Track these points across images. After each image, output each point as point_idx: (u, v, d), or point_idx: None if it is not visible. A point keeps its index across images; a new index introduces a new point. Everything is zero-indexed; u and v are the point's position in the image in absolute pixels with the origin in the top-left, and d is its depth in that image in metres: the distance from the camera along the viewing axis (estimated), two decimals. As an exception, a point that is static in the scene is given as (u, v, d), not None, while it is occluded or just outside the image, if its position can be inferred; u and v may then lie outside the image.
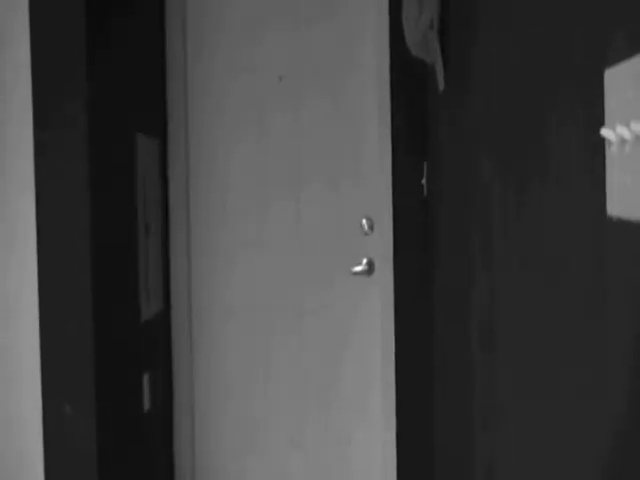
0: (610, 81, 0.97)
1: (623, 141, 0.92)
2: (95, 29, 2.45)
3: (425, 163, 3.37)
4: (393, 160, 3.39)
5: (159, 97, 3.34)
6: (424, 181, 3.38)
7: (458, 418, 2.57)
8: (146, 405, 2.97)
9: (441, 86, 2.80)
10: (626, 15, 0.94)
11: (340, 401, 3.48)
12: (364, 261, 3.44)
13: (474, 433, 2.23)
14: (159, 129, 3.32)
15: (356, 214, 3.44)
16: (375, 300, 3.44)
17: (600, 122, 1.02)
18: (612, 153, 0.96)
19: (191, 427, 3.47)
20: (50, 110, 2.37)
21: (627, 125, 0.91)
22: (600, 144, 1.02)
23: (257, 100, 3.46)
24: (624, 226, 0.92)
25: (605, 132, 0.95)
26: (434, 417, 3.23)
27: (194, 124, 3.45)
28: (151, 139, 3.14)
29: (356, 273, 3.43)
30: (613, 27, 0.99)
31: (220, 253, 3.47)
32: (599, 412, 1.05)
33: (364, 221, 3.43)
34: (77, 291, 2.39)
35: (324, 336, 3.47)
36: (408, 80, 3.38)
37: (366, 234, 3.44)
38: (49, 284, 2.40)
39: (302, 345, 3.48)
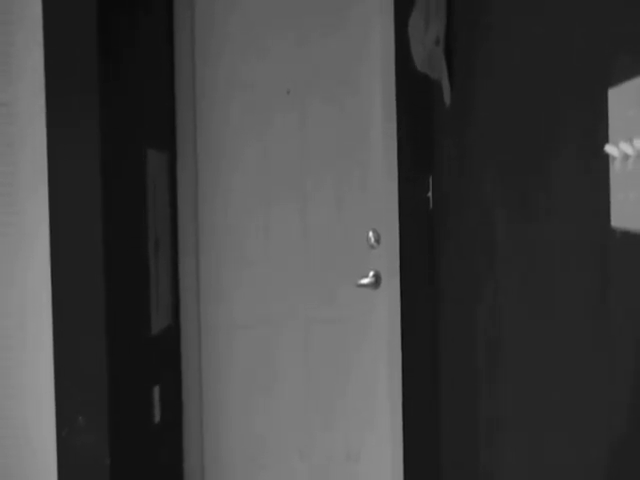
0: (614, 100, 1.01)
1: (626, 157, 0.96)
2: (107, 47, 2.50)
3: (431, 177, 3.40)
4: (399, 173, 3.43)
5: (168, 112, 3.38)
6: (430, 194, 3.42)
7: (464, 433, 2.59)
8: (156, 417, 3.00)
9: (447, 101, 2.85)
10: (629, 37, 0.98)
11: (348, 414, 3.51)
12: (371, 274, 3.48)
13: (479, 448, 2.26)
14: (168, 143, 3.36)
15: (363, 227, 3.48)
16: (382, 313, 3.47)
17: (604, 139, 1.05)
18: (616, 169, 0.99)
19: (200, 439, 3.50)
20: (63, 127, 2.41)
21: (630, 142, 0.94)
22: (604, 160, 1.05)
23: (264, 114, 3.50)
24: (628, 238, 0.96)
25: (609, 148, 0.99)
26: (441, 431, 3.25)
27: (202, 139, 3.49)
28: (161, 154, 3.18)
29: (362, 286, 3.46)
30: (617, 48, 1.03)
31: (228, 267, 3.51)
32: (602, 427, 1.07)
33: (370, 234, 3.46)
34: (90, 305, 2.43)
35: (331, 349, 3.50)
36: (414, 95, 3.42)
37: (372, 247, 3.47)
38: (62, 299, 2.44)
39: (309, 358, 3.51)
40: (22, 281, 2.46)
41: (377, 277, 3.48)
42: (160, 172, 3.17)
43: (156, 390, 3.00)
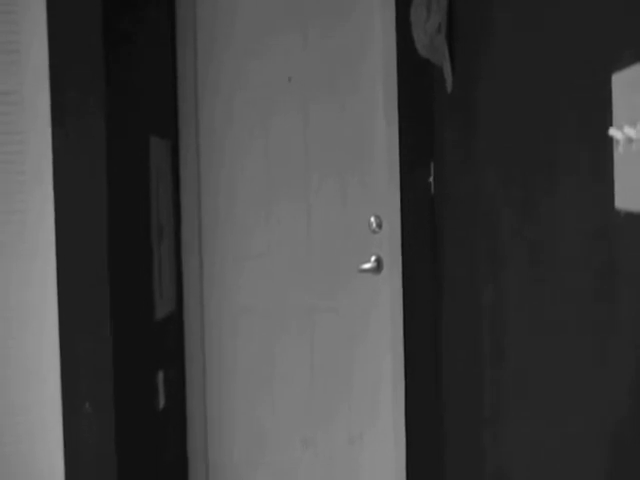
0: (617, 85, 1.03)
1: (630, 141, 0.97)
2: (111, 35, 2.51)
3: (432, 162, 3.42)
4: (400, 159, 3.44)
5: (170, 98, 3.39)
6: (431, 180, 3.44)
7: (467, 418, 2.61)
8: (161, 402, 3.03)
9: (449, 88, 2.86)
10: (633, 23, 0.99)
11: (351, 401, 3.53)
12: (372, 259, 3.50)
13: (482, 433, 2.28)
14: (171, 131, 3.38)
15: (365, 214, 3.50)
16: (384, 298, 3.49)
17: (608, 123, 1.07)
18: (619, 152, 1.01)
19: (203, 425, 3.52)
20: (68, 115, 2.43)
21: (634, 126, 0.96)
22: (608, 144, 1.07)
23: (266, 101, 3.51)
24: (632, 219, 0.98)
25: (613, 132, 1.01)
26: (444, 416, 3.28)
27: (205, 125, 3.50)
28: (164, 141, 3.20)
29: (364, 270, 3.48)
30: (621, 33, 1.04)
31: (230, 254, 3.52)
32: (605, 426, 1.09)
33: (372, 219, 3.48)
34: (95, 290, 2.45)
35: (334, 334, 3.53)
36: (415, 80, 3.43)
37: (374, 232, 3.49)
38: (68, 285, 2.46)
39: (312, 343, 3.53)
40: (27, 267, 2.47)
41: (379, 262, 3.50)
42: (163, 159, 3.18)
43: (160, 376, 3.03)
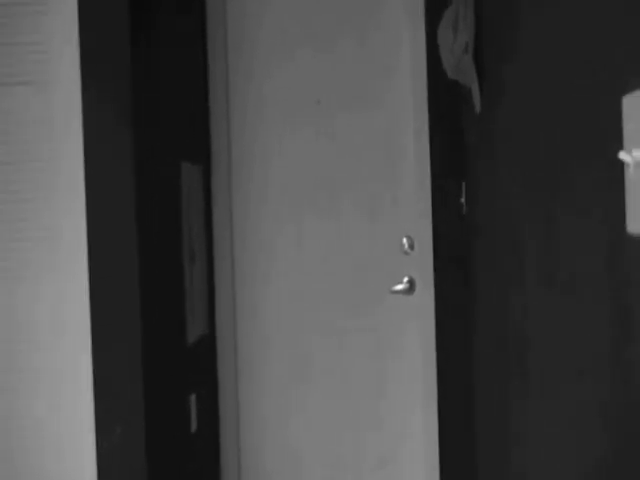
0: (628, 108, 1.02)
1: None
2: (141, 59, 2.55)
3: (464, 182, 3.41)
4: (432, 180, 3.44)
5: (203, 124, 3.43)
6: (463, 200, 3.43)
7: (498, 438, 2.59)
8: (193, 425, 3.04)
9: (478, 108, 2.85)
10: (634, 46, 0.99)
11: (382, 422, 3.52)
12: (405, 279, 3.49)
13: (511, 454, 2.26)
14: (203, 156, 3.41)
15: (397, 234, 3.49)
16: (416, 319, 3.47)
17: (620, 146, 1.06)
18: (630, 175, 1.00)
19: (236, 448, 3.53)
20: (99, 142, 2.46)
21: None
22: (620, 166, 1.06)
23: (296, 125, 3.53)
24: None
25: (623, 155, 1.00)
26: (476, 438, 3.24)
27: (236, 149, 3.53)
28: (195, 166, 3.23)
29: (397, 292, 3.47)
30: (631, 58, 1.04)
31: (263, 278, 3.54)
32: (624, 439, 1.08)
33: (404, 240, 3.48)
34: (127, 315, 2.48)
35: (366, 356, 3.52)
36: (445, 100, 3.43)
37: (406, 253, 3.48)
38: (100, 309, 2.49)
39: (343, 366, 3.52)
40: (60, 291, 2.51)
41: (411, 283, 3.49)
42: (194, 184, 3.22)
43: (192, 399, 3.04)
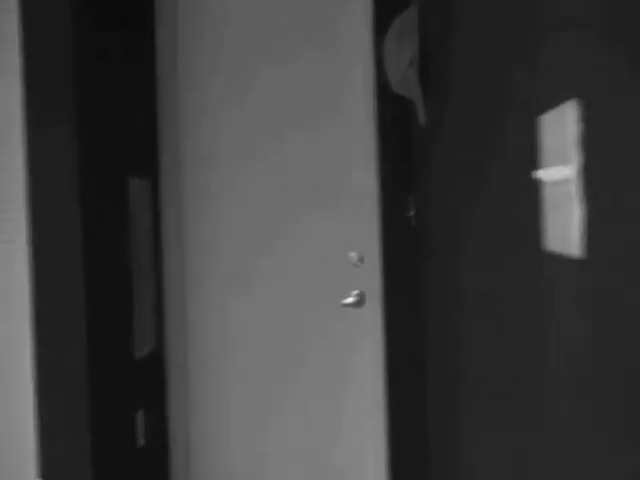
0: (545, 127, 1.05)
1: (555, 183, 0.99)
2: (86, 73, 2.54)
3: (412, 195, 3.44)
4: (379, 193, 3.46)
5: (151, 140, 3.42)
6: (412, 213, 3.45)
7: (453, 459, 2.61)
8: (141, 441, 3.02)
9: (422, 122, 2.89)
10: (555, 69, 1.01)
11: (339, 436, 3.52)
12: (354, 293, 3.50)
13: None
14: (150, 171, 3.40)
15: (348, 249, 3.51)
16: (366, 331, 3.49)
17: (539, 164, 1.09)
18: (547, 193, 1.03)
19: (186, 463, 3.51)
20: (42, 158, 2.45)
21: (557, 167, 0.98)
22: (539, 185, 1.09)
23: (247, 141, 3.54)
24: (558, 260, 0.99)
25: (540, 174, 1.02)
26: (428, 437, 3.26)
27: (187, 163, 3.53)
28: (144, 181, 3.22)
29: (347, 305, 3.49)
30: (545, 79, 1.06)
31: (215, 292, 3.53)
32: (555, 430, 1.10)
33: (353, 254, 3.49)
34: (72, 330, 2.46)
35: (321, 368, 3.52)
36: (393, 114, 3.46)
37: (356, 266, 3.50)
38: (45, 324, 2.47)
39: (296, 378, 3.53)
40: (4, 307, 2.48)
41: (361, 296, 3.50)
42: (142, 199, 3.20)
43: (140, 414, 3.02)
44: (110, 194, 2.82)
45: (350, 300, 3.50)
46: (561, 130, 0.97)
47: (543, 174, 1.01)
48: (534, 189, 1.14)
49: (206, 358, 3.54)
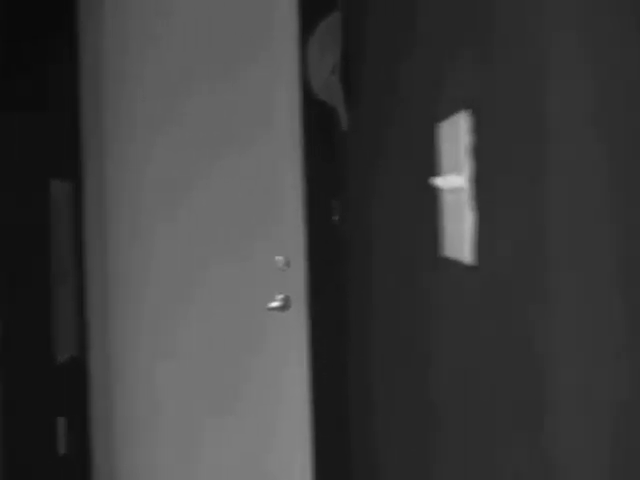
0: (442, 135, 1.08)
1: (451, 190, 1.02)
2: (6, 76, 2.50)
3: (337, 200, 3.47)
4: (304, 198, 3.49)
5: (73, 142, 3.38)
6: (337, 217, 3.48)
7: (369, 439, 2.64)
8: (61, 448, 2.98)
9: (344, 127, 2.92)
10: (455, 75, 1.05)
11: (269, 444, 3.53)
12: (280, 297, 3.52)
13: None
14: (73, 173, 3.36)
15: (275, 253, 3.52)
16: (292, 335, 3.51)
17: (437, 172, 1.12)
18: (444, 200, 1.06)
19: (109, 472, 3.47)
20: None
21: (452, 176, 1.01)
22: (438, 192, 1.12)
23: (174, 142, 3.52)
24: (453, 266, 1.02)
25: (436, 181, 1.05)
26: (350, 440, 3.29)
27: (111, 165, 3.49)
28: (66, 183, 3.18)
29: (273, 309, 3.50)
30: (444, 85, 1.09)
31: (137, 298, 3.50)
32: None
33: (280, 258, 3.51)
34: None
35: (253, 374, 3.52)
36: (317, 119, 3.49)
37: (282, 270, 3.51)
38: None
39: (222, 385, 3.52)
40: None
41: (286, 300, 3.52)
42: (65, 202, 3.16)
43: (61, 421, 2.98)
44: (30, 196, 2.78)
45: (275, 304, 3.51)
46: (455, 139, 1.00)
47: (441, 181, 1.04)
48: (434, 196, 1.17)
49: (130, 365, 3.50)
